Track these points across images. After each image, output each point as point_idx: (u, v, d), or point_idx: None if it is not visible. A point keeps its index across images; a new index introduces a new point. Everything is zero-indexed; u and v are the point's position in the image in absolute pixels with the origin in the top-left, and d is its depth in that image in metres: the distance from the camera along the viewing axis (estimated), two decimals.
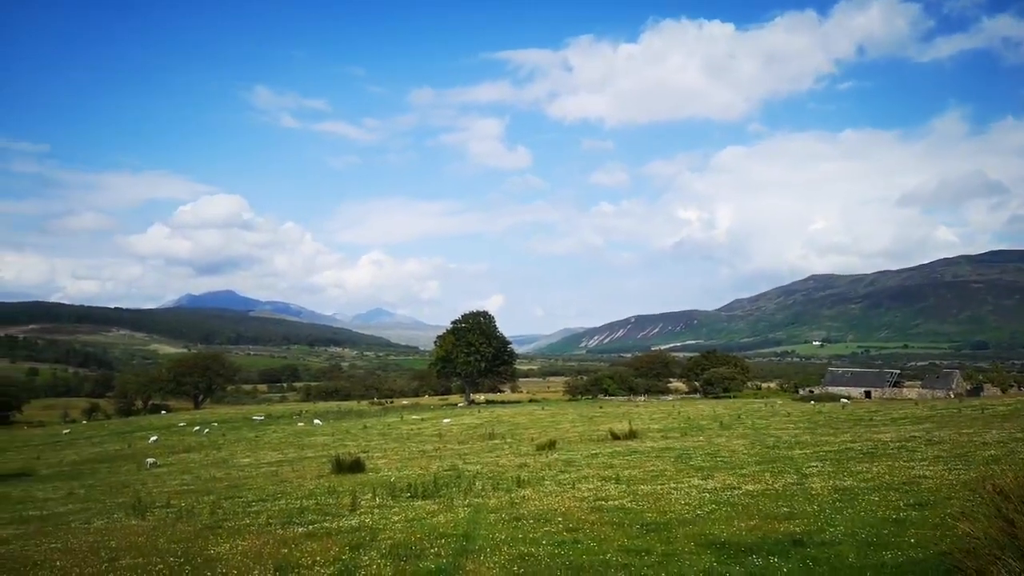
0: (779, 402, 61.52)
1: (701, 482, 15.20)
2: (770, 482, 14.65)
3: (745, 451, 21.22)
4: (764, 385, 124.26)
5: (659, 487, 14.74)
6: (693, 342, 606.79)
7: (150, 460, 34.05)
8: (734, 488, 14.13)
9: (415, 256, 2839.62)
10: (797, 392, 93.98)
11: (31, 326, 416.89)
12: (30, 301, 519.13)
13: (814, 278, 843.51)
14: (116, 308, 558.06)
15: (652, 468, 18.09)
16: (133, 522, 14.36)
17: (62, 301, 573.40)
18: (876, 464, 16.36)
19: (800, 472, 15.85)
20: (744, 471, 16.59)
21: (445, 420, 49.76)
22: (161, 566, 9.85)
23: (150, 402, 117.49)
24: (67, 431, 69.86)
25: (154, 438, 50.75)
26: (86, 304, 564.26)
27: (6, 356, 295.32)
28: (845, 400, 63.46)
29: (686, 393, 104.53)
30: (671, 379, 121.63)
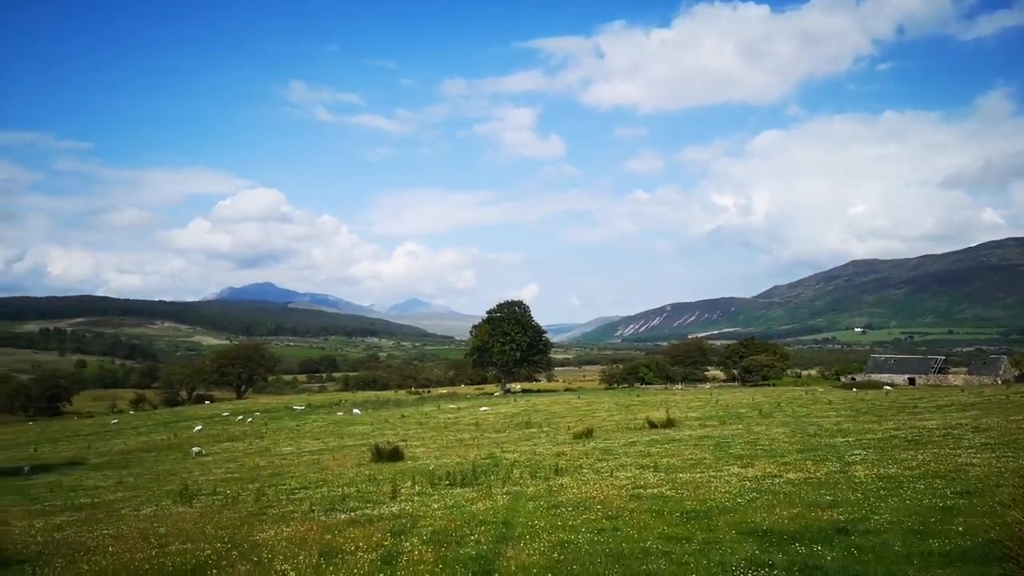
0: (820, 390, 60.59)
1: (741, 470, 15.08)
2: (812, 470, 14.47)
3: (786, 439, 20.98)
4: (804, 373, 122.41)
5: (698, 475, 14.67)
6: (730, 330, 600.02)
7: (196, 449, 34.88)
8: (775, 476, 13.99)
9: (450, 246, 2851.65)
10: (839, 379, 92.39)
11: (79, 319, 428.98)
12: (77, 295, 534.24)
13: (855, 263, 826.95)
14: (160, 301, 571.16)
15: (691, 456, 17.99)
16: (181, 509, 14.76)
17: (108, 295, 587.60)
18: (921, 452, 16.06)
19: (843, 460, 15.62)
20: (785, 459, 16.41)
21: (482, 409, 50.04)
22: (209, 552, 10.12)
23: (194, 392, 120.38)
24: (115, 421, 71.86)
25: (199, 427, 51.93)
26: (131, 298, 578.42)
27: (55, 349, 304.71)
28: (889, 387, 62.26)
29: (724, 381, 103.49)
30: (708, 367, 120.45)
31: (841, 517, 10.09)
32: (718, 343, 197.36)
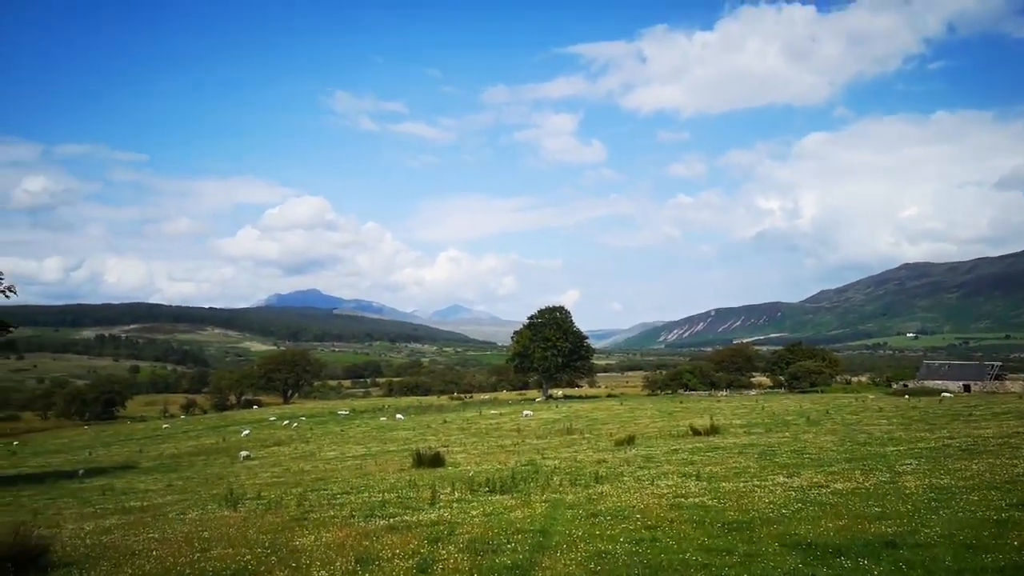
0: (871, 397, 58.99)
1: (786, 480, 14.71)
2: (860, 480, 14.05)
3: (834, 448, 20.44)
4: (854, 379, 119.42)
5: (741, 485, 14.35)
6: (777, 335, 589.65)
7: (244, 453, 35.48)
8: (822, 486, 13.62)
9: (491, 252, 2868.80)
10: (890, 386, 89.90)
11: (133, 326, 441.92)
12: (131, 302, 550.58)
13: (906, 267, 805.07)
14: (210, 308, 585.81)
15: (734, 465, 17.63)
16: (225, 513, 14.99)
17: (160, 302, 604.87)
18: (976, 462, 15.48)
19: (893, 470, 15.15)
20: (832, 469, 15.97)
21: (524, 414, 49.93)
22: (249, 557, 10.25)
23: (243, 397, 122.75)
24: (167, 425, 73.66)
25: (246, 432, 52.88)
26: (182, 304, 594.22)
27: (110, 355, 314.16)
28: (948, 394, 60.31)
29: (770, 388, 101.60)
30: (754, 373, 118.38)
31: (890, 530, 9.76)
32: (764, 349, 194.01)
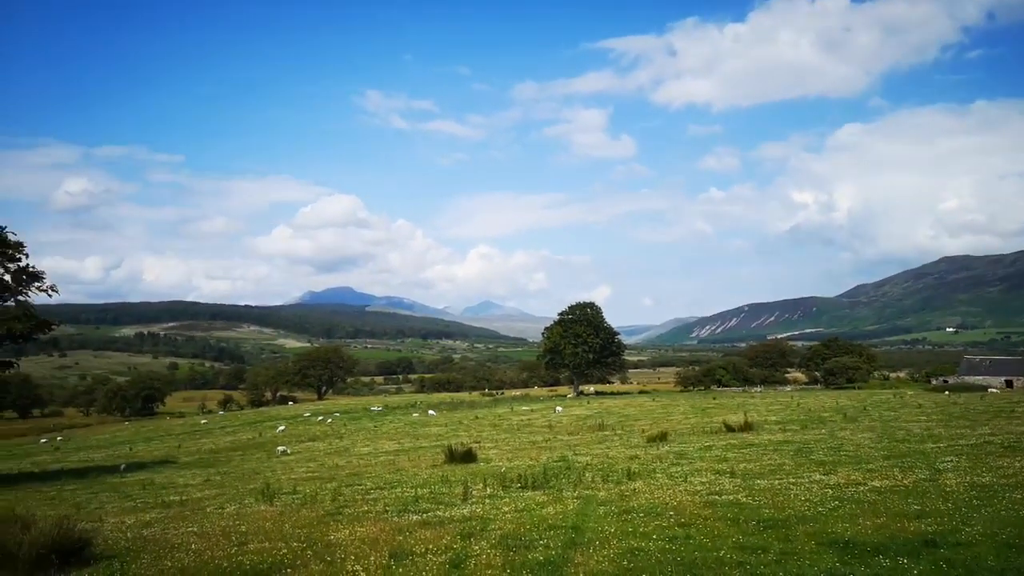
0: (909, 393, 57.86)
1: (823, 477, 14.49)
2: (899, 478, 13.78)
3: (871, 445, 20.08)
4: (892, 375, 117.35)
5: (777, 482, 14.16)
6: (812, 331, 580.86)
7: (281, 448, 36.02)
8: (859, 484, 13.38)
9: (522, 249, 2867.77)
10: (929, 382, 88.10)
11: (171, 324, 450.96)
12: (169, 301, 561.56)
13: (946, 260, 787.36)
14: (246, 306, 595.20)
15: (769, 462, 17.42)
16: (262, 507, 15.21)
17: (198, 300, 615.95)
18: (1019, 459, 15.09)
19: (933, 467, 14.83)
20: (870, 466, 15.69)
21: (555, 410, 49.90)
22: (285, 551, 10.39)
23: (278, 393, 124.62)
24: (205, 421, 75.07)
25: (281, 427, 53.65)
26: (219, 302, 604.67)
27: (150, 352, 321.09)
28: (994, 389, 58.85)
29: (805, 384, 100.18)
30: (789, 369, 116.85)
31: (930, 528, 9.56)
32: (799, 344, 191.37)
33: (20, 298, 31.70)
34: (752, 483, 14.15)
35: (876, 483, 13.36)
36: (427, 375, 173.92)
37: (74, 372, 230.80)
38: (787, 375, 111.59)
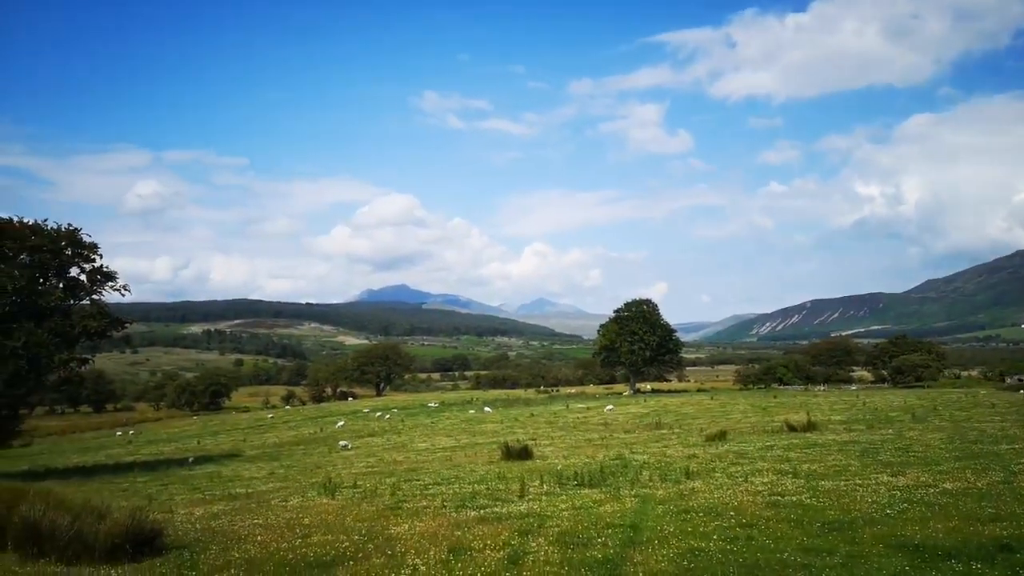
0: (982, 392, 55.46)
1: (891, 479, 14.02)
2: (972, 480, 13.25)
3: (942, 446, 19.33)
4: (963, 373, 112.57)
5: (842, 483, 13.77)
6: (878, 327, 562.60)
7: (342, 443, 36.66)
8: (929, 486, 12.91)
9: (577, 246, 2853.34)
10: (1003, 381, 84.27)
11: (236, 321, 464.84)
12: (234, 299, 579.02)
13: (1021, 254, 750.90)
14: (307, 304, 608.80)
15: (834, 463, 16.94)
16: (324, 501, 15.55)
17: (261, 298, 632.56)
18: None
19: (1008, 469, 14.21)
20: (941, 468, 15.12)
21: (610, 408, 49.54)
22: (347, 543, 10.60)
23: (338, 389, 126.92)
24: (271, 416, 77.09)
25: (341, 423, 54.68)
26: (281, 301, 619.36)
27: (216, 349, 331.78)
28: None
29: (871, 383, 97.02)
30: (854, 367, 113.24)
31: (1005, 532, 9.16)
32: (864, 342, 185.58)
33: (95, 297, 33.06)
34: (816, 484, 13.79)
35: (947, 485, 12.87)
36: (482, 372, 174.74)
37: (145, 368, 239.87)
38: (852, 373, 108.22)
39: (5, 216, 31.37)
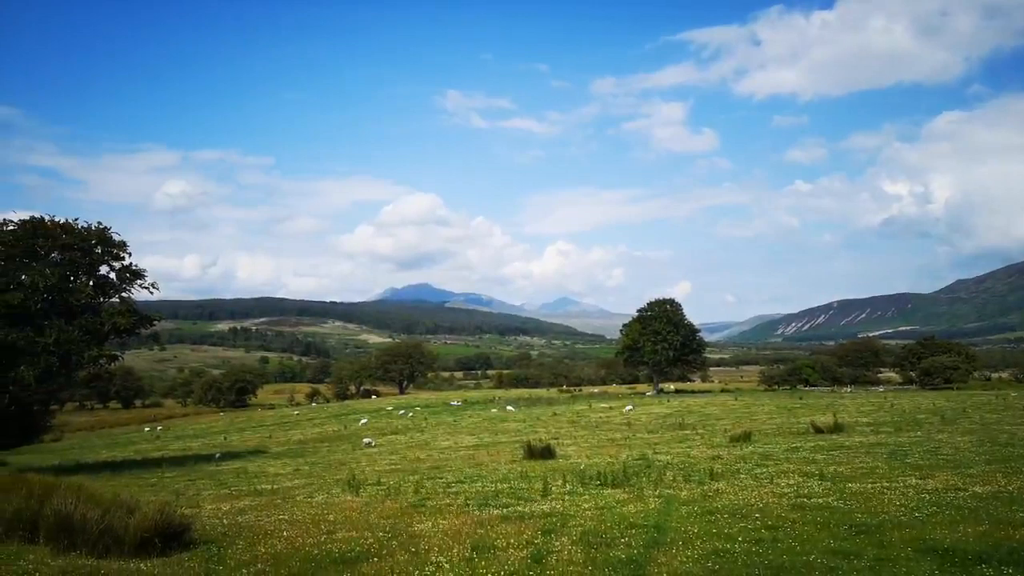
0: (1013, 394, 54.42)
1: (919, 482, 13.82)
2: (1003, 483, 13.02)
3: (972, 449, 19.01)
4: (994, 375, 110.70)
5: (869, 486, 13.61)
6: (906, 328, 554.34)
7: (366, 440, 36.87)
8: (959, 489, 12.71)
9: (599, 245, 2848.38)
10: None
11: (262, 319, 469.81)
12: (260, 297, 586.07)
13: None
14: (331, 302, 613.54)
15: (861, 465, 16.74)
16: (348, 498, 15.67)
17: (286, 297, 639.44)
18: None
19: None
20: (971, 471, 14.87)
21: (627, 408, 49.35)
22: (372, 540, 10.68)
23: (362, 387, 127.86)
24: (296, 412, 77.80)
25: (364, 420, 55.04)
26: (306, 299, 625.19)
27: (242, 346, 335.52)
28: None
29: (899, 384, 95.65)
30: (881, 369, 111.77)
31: None
32: (892, 343, 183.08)
33: (124, 295, 33.54)
34: (843, 486, 13.64)
35: (977, 488, 12.67)
36: (505, 371, 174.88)
37: (173, 365, 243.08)
38: (879, 375, 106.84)
39: (37, 215, 31.98)
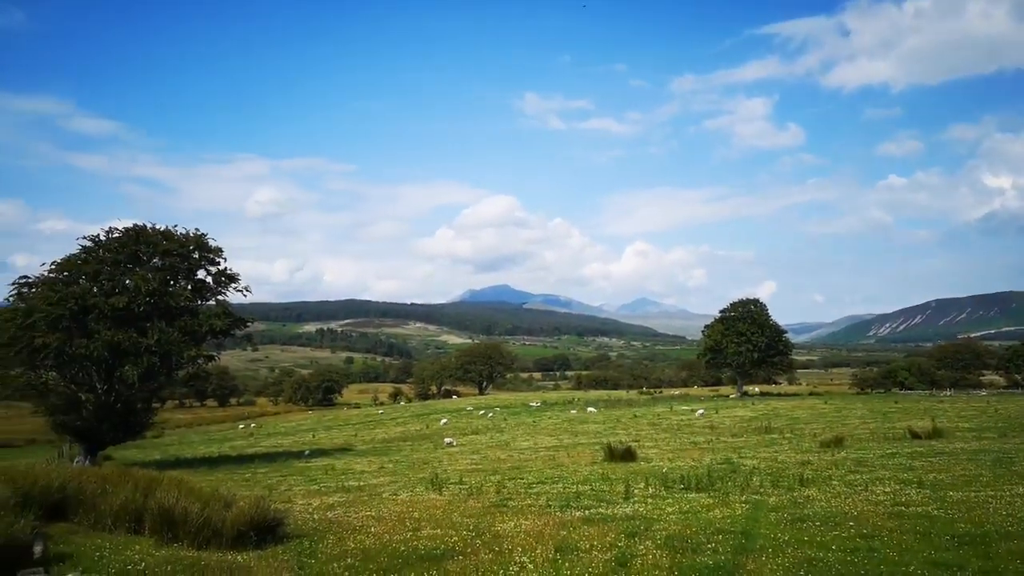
0: None
1: None
2: None
3: None
4: None
5: (972, 494, 12.89)
6: (1011, 328, 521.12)
7: (448, 439, 37.45)
8: None
9: (680, 245, 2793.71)
10: None
11: (346, 321, 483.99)
12: (345, 300, 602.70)
13: None
14: (412, 304, 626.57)
15: (963, 472, 15.87)
16: (432, 496, 15.96)
17: (369, 299, 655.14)
18: None
19: None
20: None
21: (698, 412, 48.27)
22: (456, 538, 10.85)
23: (442, 387, 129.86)
24: (381, 412, 79.67)
25: (445, 420, 55.84)
26: (388, 301, 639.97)
27: (328, 347, 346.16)
28: None
29: (1004, 388, 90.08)
30: (984, 371, 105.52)
31: None
32: (995, 344, 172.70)
33: (220, 298, 35.24)
34: (944, 494, 12.97)
35: None
36: (583, 372, 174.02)
37: (264, 365, 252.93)
38: (982, 378, 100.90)
39: (140, 222, 33.92)
